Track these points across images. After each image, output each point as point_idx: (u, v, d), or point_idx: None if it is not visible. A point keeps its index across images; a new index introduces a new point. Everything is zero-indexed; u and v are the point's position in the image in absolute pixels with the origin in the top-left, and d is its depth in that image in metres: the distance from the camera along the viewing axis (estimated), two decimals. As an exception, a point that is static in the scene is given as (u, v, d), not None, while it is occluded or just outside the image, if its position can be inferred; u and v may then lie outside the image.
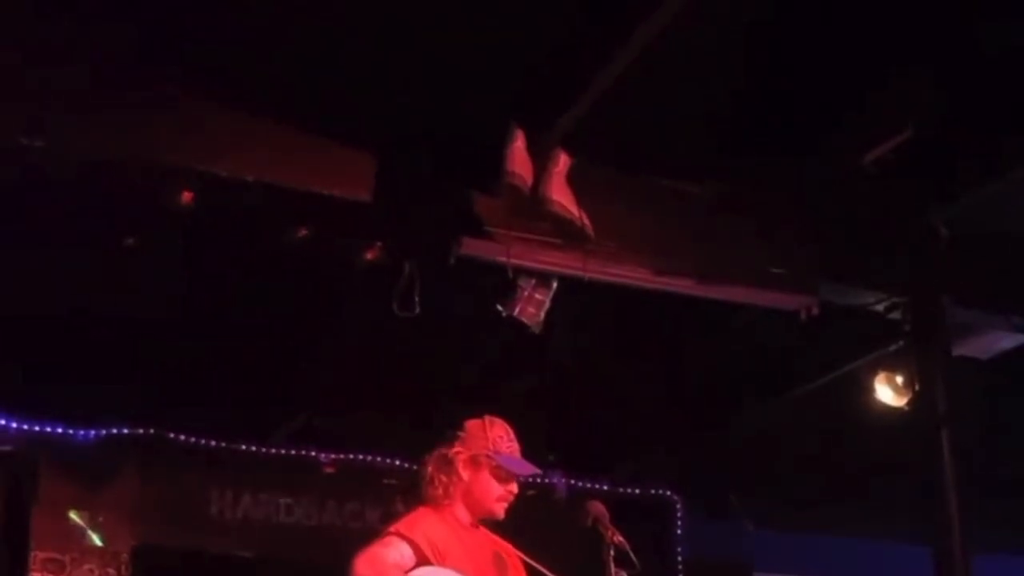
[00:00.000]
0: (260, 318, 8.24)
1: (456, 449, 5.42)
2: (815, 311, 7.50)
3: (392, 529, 5.25)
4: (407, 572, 5.14)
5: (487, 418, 5.51)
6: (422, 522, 5.29)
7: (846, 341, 8.34)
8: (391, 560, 5.12)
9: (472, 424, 5.49)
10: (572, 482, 10.54)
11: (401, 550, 5.16)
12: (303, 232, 6.90)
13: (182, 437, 9.78)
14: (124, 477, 9.64)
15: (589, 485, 10.51)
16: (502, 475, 5.41)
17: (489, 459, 5.40)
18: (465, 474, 5.39)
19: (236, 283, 7.77)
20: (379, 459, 10.28)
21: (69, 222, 7.08)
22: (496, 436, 5.44)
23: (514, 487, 5.44)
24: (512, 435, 5.50)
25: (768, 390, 9.22)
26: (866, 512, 11.48)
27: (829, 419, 9.51)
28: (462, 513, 5.42)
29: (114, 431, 9.60)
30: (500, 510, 5.44)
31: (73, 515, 9.41)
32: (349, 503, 10.26)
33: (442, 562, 5.19)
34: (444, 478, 5.40)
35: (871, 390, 8.18)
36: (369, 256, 7.11)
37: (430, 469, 5.44)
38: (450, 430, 5.51)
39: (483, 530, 5.46)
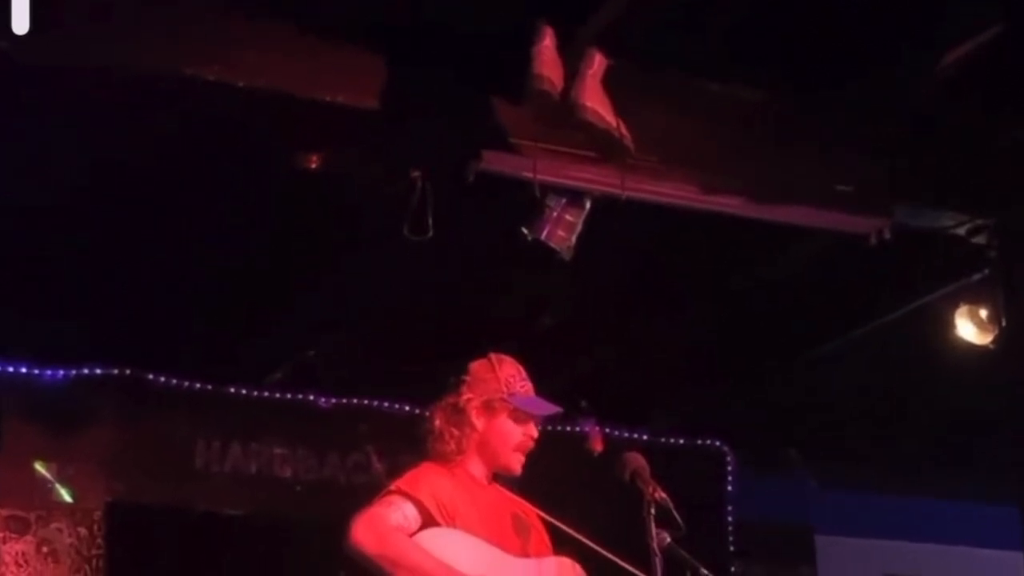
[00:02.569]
0: (254, 243, 8.20)
1: (466, 396, 5.42)
2: (887, 235, 7.45)
3: (394, 487, 5.26)
4: (412, 535, 5.11)
5: (493, 357, 5.52)
6: (428, 478, 5.29)
7: (922, 270, 8.33)
8: (393, 521, 5.14)
9: (478, 366, 5.50)
10: (607, 431, 10.58)
11: (404, 510, 5.17)
12: (303, 146, 6.92)
13: (163, 378, 9.81)
14: (97, 424, 9.65)
15: (627, 435, 10.54)
16: (520, 417, 5.41)
17: (504, 402, 5.42)
18: (479, 423, 5.39)
19: (229, 203, 7.72)
20: (388, 404, 10.31)
21: (36, 132, 7.10)
22: (508, 376, 5.45)
23: (533, 430, 5.44)
24: (524, 373, 5.51)
25: (832, 327, 9.20)
26: (944, 467, 11.51)
27: (901, 361, 9.50)
28: (476, 468, 5.43)
29: (86, 371, 9.61)
30: (517, 464, 5.44)
31: (39, 467, 9.43)
32: (353, 454, 10.28)
33: (451, 523, 5.21)
34: (456, 431, 5.41)
35: (951, 326, 8.18)
36: (377, 172, 7.14)
37: (438, 422, 5.44)
38: (453, 376, 5.49)
39: (497, 487, 5.45)
